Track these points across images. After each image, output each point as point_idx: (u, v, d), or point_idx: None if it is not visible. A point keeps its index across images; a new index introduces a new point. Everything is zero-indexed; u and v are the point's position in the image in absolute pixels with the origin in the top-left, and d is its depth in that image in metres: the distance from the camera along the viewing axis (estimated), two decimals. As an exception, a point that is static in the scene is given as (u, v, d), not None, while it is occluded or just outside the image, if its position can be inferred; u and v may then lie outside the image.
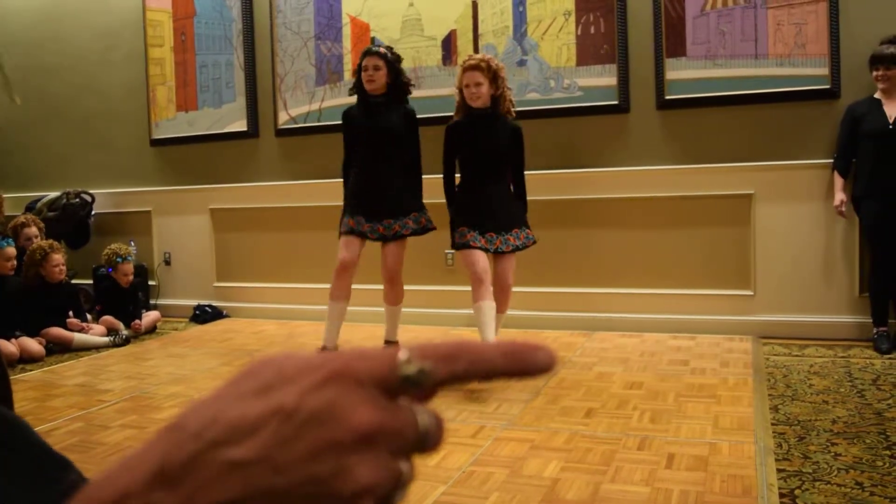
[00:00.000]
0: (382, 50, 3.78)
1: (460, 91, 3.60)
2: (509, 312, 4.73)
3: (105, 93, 6.09)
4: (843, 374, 3.47)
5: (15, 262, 4.68)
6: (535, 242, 3.75)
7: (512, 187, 3.76)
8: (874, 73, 3.96)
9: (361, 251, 3.90)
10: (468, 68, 3.52)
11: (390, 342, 3.95)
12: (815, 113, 4.25)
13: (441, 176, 3.79)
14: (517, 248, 3.65)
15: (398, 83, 3.82)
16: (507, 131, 3.63)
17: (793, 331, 4.28)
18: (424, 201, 3.99)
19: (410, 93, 3.92)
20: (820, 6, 4.18)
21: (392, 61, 3.77)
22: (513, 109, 3.71)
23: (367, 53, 3.79)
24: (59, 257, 4.79)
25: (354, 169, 3.91)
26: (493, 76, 3.54)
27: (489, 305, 3.49)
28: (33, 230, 5.18)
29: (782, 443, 2.58)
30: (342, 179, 4.05)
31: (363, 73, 3.75)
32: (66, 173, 6.21)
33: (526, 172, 3.80)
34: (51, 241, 4.90)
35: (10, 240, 4.74)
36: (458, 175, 3.81)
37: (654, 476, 2.31)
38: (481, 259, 3.56)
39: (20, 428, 0.56)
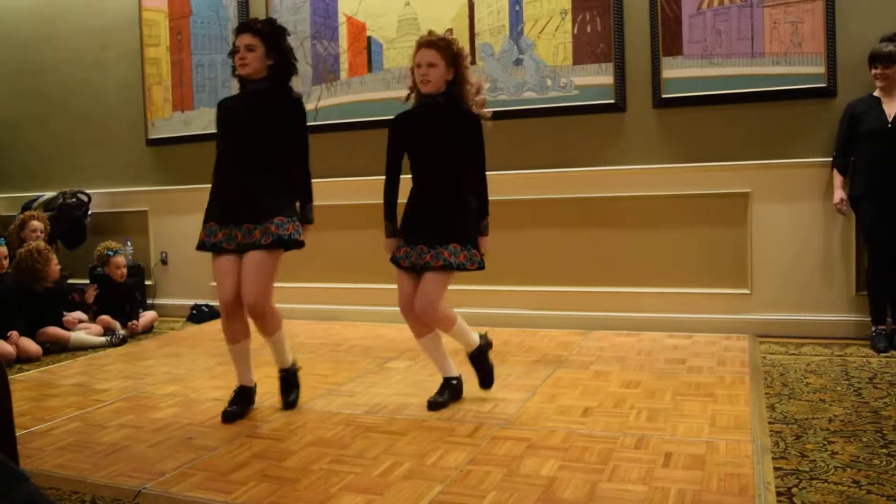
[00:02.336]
0: (259, 25, 3.05)
1: (412, 72, 3.03)
2: (507, 311, 4.74)
3: (101, 92, 6.08)
4: (840, 373, 3.47)
5: (7, 262, 4.67)
6: (480, 268, 3.02)
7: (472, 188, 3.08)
8: (872, 72, 3.96)
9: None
10: (422, 45, 2.99)
11: (285, 370, 3.24)
12: (811, 112, 4.26)
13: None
14: (448, 266, 2.94)
15: (282, 64, 3.08)
16: (461, 123, 3.01)
17: (789, 329, 4.29)
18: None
19: (294, 73, 3.14)
20: (816, 4, 4.18)
21: (271, 36, 3.04)
22: (484, 111, 3.05)
23: (239, 30, 3.07)
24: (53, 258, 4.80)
25: (219, 167, 3.20)
26: (452, 59, 2.97)
27: (425, 342, 3.15)
28: (39, 224, 5.24)
29: (779, 441, 2.58)
30: (211, 184, 3.29)
31: (235, 56, 3.05)
32: (63, 173, 6.20)
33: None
34: (42, 243, 4.87)
35: (2, 239, 4.73)
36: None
37: (651, 475, 2.31)
38: (406, 288, 3.05)
39: None
